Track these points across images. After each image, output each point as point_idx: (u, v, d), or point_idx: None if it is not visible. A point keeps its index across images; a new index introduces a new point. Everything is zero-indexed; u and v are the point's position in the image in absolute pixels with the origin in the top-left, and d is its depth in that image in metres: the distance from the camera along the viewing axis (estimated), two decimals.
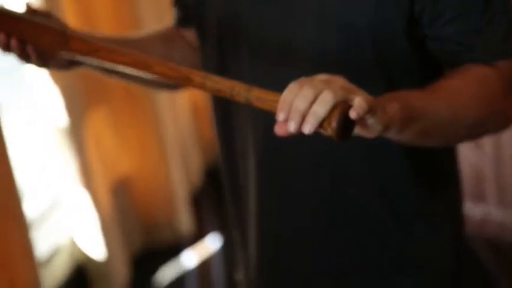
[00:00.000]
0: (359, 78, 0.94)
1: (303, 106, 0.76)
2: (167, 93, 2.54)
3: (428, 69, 1.02)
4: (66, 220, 2.30)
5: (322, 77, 0.79)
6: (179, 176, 2.79)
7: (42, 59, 1.04)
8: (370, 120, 0.79)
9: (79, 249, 2.34)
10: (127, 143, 2.59)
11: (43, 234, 2.24)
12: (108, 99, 2.47)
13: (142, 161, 2.65)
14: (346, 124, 0.77)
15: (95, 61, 0.98)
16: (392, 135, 0.86)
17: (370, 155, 1.01)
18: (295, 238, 1.09)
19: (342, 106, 0.76)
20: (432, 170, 1.07)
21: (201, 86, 0.89)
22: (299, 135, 0.79)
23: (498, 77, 0.96)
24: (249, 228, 1.14)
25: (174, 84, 1.21)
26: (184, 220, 2.81)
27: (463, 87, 0.94)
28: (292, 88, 0.78)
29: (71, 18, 2.23)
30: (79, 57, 1.00)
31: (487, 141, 2.43)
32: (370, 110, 0.77)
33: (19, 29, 1.01)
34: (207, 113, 3.13)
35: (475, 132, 0.99)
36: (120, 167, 2.62)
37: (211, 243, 2.75)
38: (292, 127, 0.77)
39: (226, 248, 2.69)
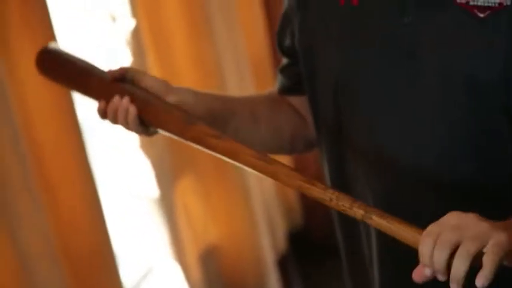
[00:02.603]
0: (486, 135, 0.97)
1: (443, 260, 0.80)
2: None
3: None
4: None
5: (452, 220, 0.82)
6: (266, 243, 2.79)
7: (142, 128, 1.06)
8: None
9: None
10: (215, 211, 2.62)
11: None
12: (196, 168, 2.52)
13: (230, 229, 2.66)
14: None
15: (210, 149, 1.01)
16: None
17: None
18: None
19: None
20: None
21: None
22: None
23: None
24: None
25: (279, 149, 1.24)
26: (273, 287, 2.80)
27: None
28: (427, 241, 0.82)
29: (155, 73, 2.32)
30: (192, 141, 1.02)
31: None
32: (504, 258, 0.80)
33: (146, 106, 1.04)
34: None
35: None
36: (208, 235, 2.65)
37: None
38: (429, 275, 0.82)
39: None
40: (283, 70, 1.21)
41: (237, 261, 2.72)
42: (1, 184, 1.51)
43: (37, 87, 1.63)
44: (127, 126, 1.05)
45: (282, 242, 3.19)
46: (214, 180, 2.55)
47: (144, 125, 1.05)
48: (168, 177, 2.31)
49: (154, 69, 2.24)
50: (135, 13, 2.11)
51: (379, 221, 0.89)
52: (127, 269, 2.24)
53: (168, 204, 2.28)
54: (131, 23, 2.09)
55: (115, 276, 1.86)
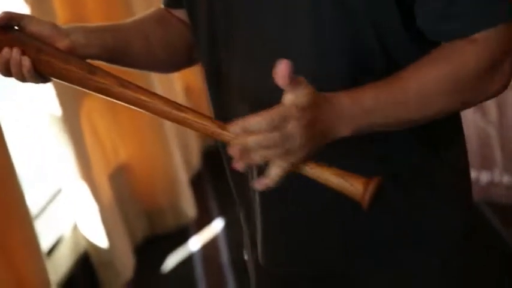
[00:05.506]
0: (355, 55, 0.96)
1: (257, 158, 0.84)
2: (161, 75, 2.52)
3: (425, 42, 0.99)
4: (68, 210, 2.28)
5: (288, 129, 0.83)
6: (179, 160, 2.77)
7: (39, 79, 1.01)
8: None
9: (83, 237, 2.32)
10: (124, 130, 2.57)
11: (46, 225, 2.23)
12: None
13: (140, 147, 2.63)
14: None
15: (111, 95, 0.97)
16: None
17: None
18: (301, 215, 1.07)
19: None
20: (435, 136, 1.05)
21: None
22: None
23: (476, 53, 0.93)
24: (254, 207, 1.12)
25: (177, 65, 1.20)
26: (187, 204, 2.79)
27: (431, 72, 0.92)
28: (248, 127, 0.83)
29: (61, 13, 2.21)
30: (97, 90, 0.98)
31: (491, 106, 2.42)
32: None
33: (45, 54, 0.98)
34: (202, 94, 3.12)
35: (448, 110, 0.97)
36: (118, 154, 2.60)
37: (215, 226, 2.74)
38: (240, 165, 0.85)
39: (230, 230, 2.68)
40: None
41: (149, 180, 2.70)
42: None
43: None
44: (23, 79, 1.00)
45: (196, 160, 3.18)
46: None
47: (41, 75, 0.99)
48: (71, 95, 2.22)
49: None
50: None
51: None
52: (34, 193, 2.17)
53: (73, 123, 2.20)
54: None
55: (19, 202, 1.79)
